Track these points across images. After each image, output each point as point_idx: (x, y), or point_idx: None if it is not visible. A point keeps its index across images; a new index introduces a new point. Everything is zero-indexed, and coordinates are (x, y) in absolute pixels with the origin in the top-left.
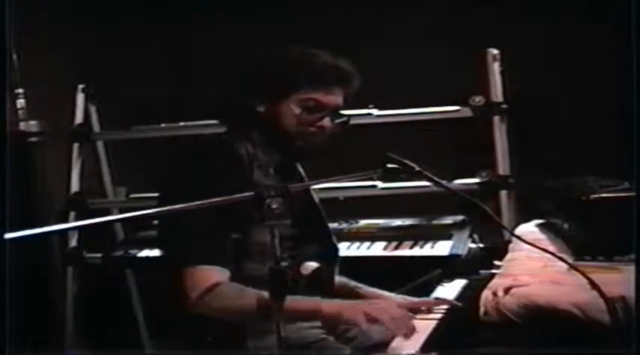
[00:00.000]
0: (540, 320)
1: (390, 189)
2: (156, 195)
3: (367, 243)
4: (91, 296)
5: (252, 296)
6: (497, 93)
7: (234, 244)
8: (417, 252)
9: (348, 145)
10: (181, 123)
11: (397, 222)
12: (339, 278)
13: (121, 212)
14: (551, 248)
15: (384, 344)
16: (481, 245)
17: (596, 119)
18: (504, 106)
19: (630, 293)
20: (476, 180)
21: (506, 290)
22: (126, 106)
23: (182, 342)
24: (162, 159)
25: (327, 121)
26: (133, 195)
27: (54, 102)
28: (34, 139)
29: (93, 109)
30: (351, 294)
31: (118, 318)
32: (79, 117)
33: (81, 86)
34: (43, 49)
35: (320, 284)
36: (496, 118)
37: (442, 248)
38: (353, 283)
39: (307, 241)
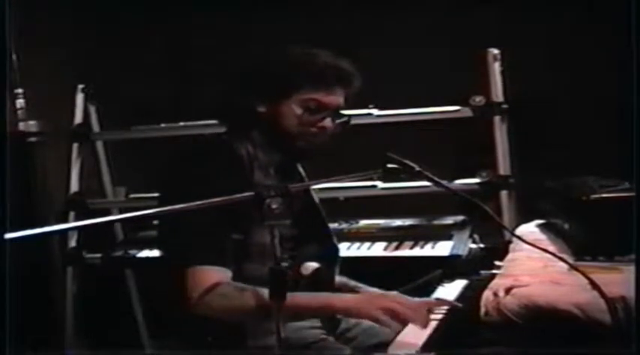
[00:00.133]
0: (541, 321)
1: (390, 189)
2: (156, 195)
3: (367, 244)
4: (90, 297)
5: (252, 295)
6: (498, 93)
7: (234, 244)
8: (417, 252)
9: (348, 145)
10: (181, 123)
11: (397, 223)
12: (339, 278)
13: (120, 212)
14: (551, 248)
15: (384, 344)
16: (482, 245)
17: (596, 119)
18: (505, 106)
19: (631, 293)
20: (476, 180)
21: (507, 291)
22: (126, 106)
23: (182, 342)
24: (162, 159)
25: (328, 122)
26: (132, 195)
27: (53, 102)
28: (33, 139)
29: (92, 109)
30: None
31: (117, 318)
32: (78, 117)
33: (80, 86)
34: (43, 49)
35: (320, 285)
36: (496, 118)
37: (443, 248)
38: (353, 283)
39: (307, 241)
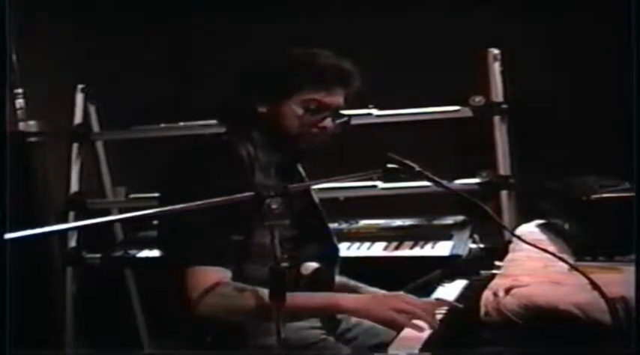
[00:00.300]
0: (541, 321)
1: (390, 189)
2: (156, 195)
3: (367, 244)
4: (90, 297)
5: (252, 295)
6: (498, 93)
7: (234, 245)
8: (417, 252)
9: (348, 145)
10: (181, 123)
11: (397, 223)
12: (339, 278)
13: (120, 212)
14: (551, 248)
15: (384, 344)
16: (482, 245)
17: (596, 119)
18: (505, 106)
19: (631, 293)
20: (476, 180)
21: (507, 291)
22: (126, 106)
23: (182, 342)
24: (162, 159)
25: (328, 122)
26: (132, 195)
27: (53, 102)
28: (33, 139)
29: (92, 109)
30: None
31: (117, 318)
32: (78, 117)
33: (80, 86)
34: (43, 49)
35: (320, 285)
36: (496, 118)
37: (443, 248)
38: (353, 283)
39: (307, 241)
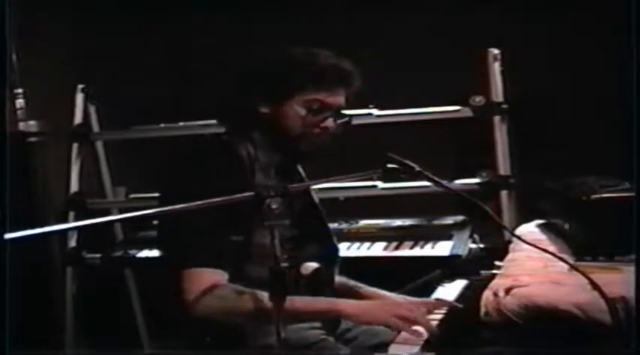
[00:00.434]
0: (541, 321)
1: (390, 189)
2: (156, 195)
3: (367, 244)
4: (90, 297)
5: (251, 298)
6: (498, 93)
7: (234, 246)
8: (417, 252)
9: (348, 145)
10: (181, 123)
11: (397, 223)
12: (338, 278)
13: (120, 212)
14: (551, 248)
15: (384, 344)
16: (482, 245)
17: (596, 119)
18: (505, 106)
19: (631, 293)
20: (476, 180)
21: (507, 291)
22: (126, 106)
23: (182, 342)
24: (162, 159)
25: (330, 122)
26: (132, 195)
27: (53, 102)
28: (33, 139)
29: (92, 109)
30: (351, 294)
31: (117, 318)
32: (78, 117)
33: (80, 86)
34: (43, 49)
35: (320, 285)
36: (496, 118)
37: (443, 248)
38: (353, 283)
39: (307, 241)
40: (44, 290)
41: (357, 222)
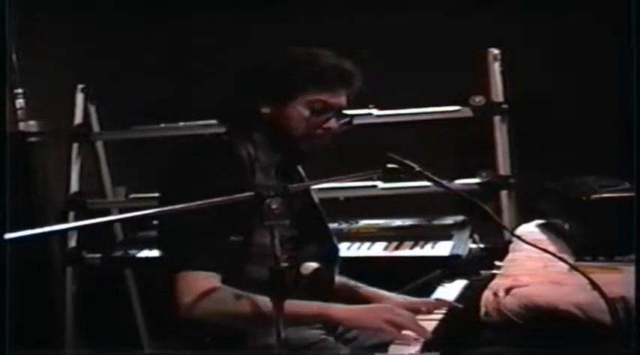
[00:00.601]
0: (541, 321)
1: (390, 189)
2: (156, 195)
3: (367, 244)
4: (90, 297)
5: (248, 301)
6: (498, 93)
7: (234, 246)
8: (417, 252)
9: (348, 145)
10: (181, 123)
11: (397, 223)
12: (339, 278)
13: (120, 212)
14: (551, 248)
15: (384, 344)
16: (482, 245)
17: (596, 119)
18: (505, 106)
19: (631, 293)
20: (476, 180)
21: (507, 291)
22: (126, 106)
23: (182, 342)
24: (162, 159)
25: (333, 122)
26: (132, 195)
27: (53, 102)
28: (33, 139)
29: (92, 109)
30: (351, 294)
31: (117, 318)
32: (78, 117)
33: (80, 86)
34: (43, 49)
35: (320, 285)
36: (496, 118)
37: (443, 248)
38: (353, 283)
39: (307, 241)
40: (44, 290)
41: (357, 222)
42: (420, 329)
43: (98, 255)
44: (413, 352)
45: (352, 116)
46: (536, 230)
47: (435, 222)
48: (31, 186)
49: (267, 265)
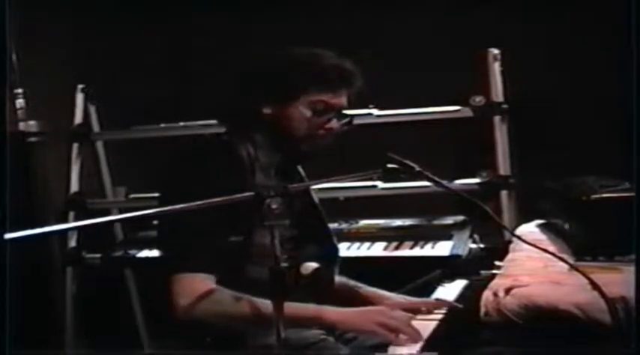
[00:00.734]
0: (541, 321)
1: (390, 189)
2: (156, 195)
3: (367, 244)
4: (90, 297)
5: (246, 302)
6: (498, 93)
7: (234, 246)
8: (417, 252)
9: (348, 145)
10: (181, 123)
11: (397, 223)
12: (338, 278)
13: (120, 212)
14: (551, 248)
15: (384, 345)
16: (482, 245)
17: (596, 119)
18: (505, 106)
19: (631, 293)
20: (476, 180)
21: (507, 291)
22: (126, 106)
23: (182, 342)
24: (162, 159)
25: (334, 123)
26: (132, 195)
27: (53, 102)
28: (33, 139)
29: (92, 109)
30: (351, 294)
31: (117, 318)
32: (78, 117)
33: (80, 86)
34: (43, 49)
35: (320, 285)
36: (496, 118)
37: (443, 248)
38: (353, 283)
39: (307, 241)
40: (44, 290)
41: (357, 222)
42: (412, 332)
43: (98, 255)
44: (412, 352)
45: (352, 116)
46: (536, 230)
47: (435, 222)
48: (31, 186)
49: (267, 265)
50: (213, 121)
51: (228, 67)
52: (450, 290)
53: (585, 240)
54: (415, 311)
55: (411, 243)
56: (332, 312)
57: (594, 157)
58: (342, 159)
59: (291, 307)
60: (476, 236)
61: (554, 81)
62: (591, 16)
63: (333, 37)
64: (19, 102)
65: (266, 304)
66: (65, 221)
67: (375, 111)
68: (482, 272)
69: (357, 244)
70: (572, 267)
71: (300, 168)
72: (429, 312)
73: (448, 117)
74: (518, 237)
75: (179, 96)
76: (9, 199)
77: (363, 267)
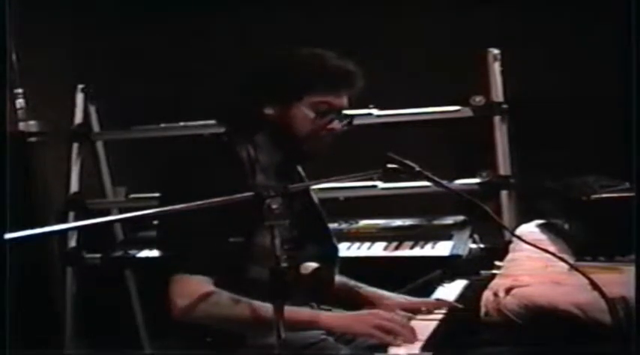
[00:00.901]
0: (541, 321)
1: (390, 189)
2: (156, 195)
3: (367, 244)
4: (90, 297)
5: (244, 304)
6: (498, 93)
7: (233, 247)
8: (417, 252)
9: (348, 145)
10: (181, 123)
11: (397, 223)
12: (339, 278)
13: (120, 212)
14: (551, 248)
15: (384, 345)
16: (482, 245)
17: (596, 119)
18: (505, 106)
19: (631, 293)
20: (476, 180)
21: (507, 291)
22: (126, 106)
23: (182, 342)
24: (162, 159)
25: (336, 123)
26: (132, 195)
27: (54, 102)
28: (33, 139)
29: (92, 109)
30: (351, 294)
31: (117, 318)
32: (78, 117)
33: (81, 86)
34: (43, 49)
35: (320, 285)
36: (496, 118)
37: (443, 248)
38: (353, 282)
39: (307, 241)
40: (44, 290)
41: (357, 222)
42: (408, 333)
43: (98, 255)
44: (413, 352)
45: (353, 116)
46: (536, 230)
47: (435, 222)
48: (31, 186)
49: (267, 265)
50: (213, 121)
51: (228, 67)
52: (450, 290)
53: (585, 240)
54: (415, 311)
55: (411, 243)
56: (328, 316)
57: (594, 157)
58: (342, 159)
59: (288, 310)
60: (476, 236)
61: (554, 81)
62: (591, 16)
63: (333, 37)
64: (19, 102)
65: (264, 307)
66: (65, 221)
67: (375, 111)
68: (483, 272)
69: (357, 244)
70: (572, 267)
71: (300, 168)
72: (429, 312)
73: (448, 117)
74: (518, 237)
75: (179, 96)
76: (9, 199)
77: (363, 267)
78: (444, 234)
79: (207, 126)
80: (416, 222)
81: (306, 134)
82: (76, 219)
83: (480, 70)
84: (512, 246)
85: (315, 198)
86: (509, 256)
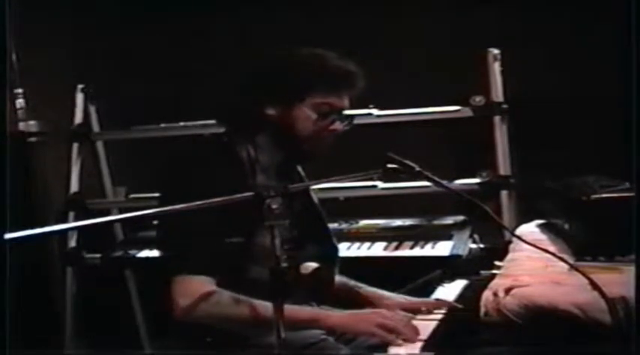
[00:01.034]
0: (541, 321)
1: (390, 189)
2: (156, 195)
3: (367, 244)
4: (90, 297)
5: (245, 304)
6: (498, 93)
7: (233, 247)
8: (417, 252)
9: (348, 145)
10: (181, 123)
11: (397, 223)
12: (339, 278)
13: (120, 212)
14: (551, 248)
15: (385, 345)
16: (482, 245)
17: (596, 119)
18: (505, 106)
19: (631, 293)
20: (476, 180)
21: (507, 291)
22: (126, 106)
23: (182, 342)
24: (162, 159)
25: (338, 124)
26: (132, 195)
27: (54, 102)
28: (33, 139)
29: (92, 109)
30: (351, 294)
31: (117, 318)
32: (78, 117)
33: (80, 86)
34: (43, 49)
35: (320, 285)
36: (496, 118)
37: (443, 248)
38: (353, 282)
39: (307, 241)
40: (44, 290)
41: (357, 222)
42: (410, 332)
43: (98, 255)
44: (412, 352)
45: (353, 116)
46: (536, 230)
47: (435, 222)
48: (31, 186)
49: (267, 265)
50: (213, 121)
51: (229, 67)
52: (450, 290)
53: (585, 240)
54: (415, 311)
55: (411, 243)
56: (329, 316)
57: (594, 157)
58: (342, 159)
59: (288, 310)
60: (476, 236)
61: (554, 81)
62: (591, 16)
63: (333, 37)
64: (19, 102)
65: (265, 306)
66: (65, 221)
67: (375, 111)
68: (482, 272)
69: (357, 244)
70: (572, 267)
71: (300, 168)
72: (429, 312)
73: (448, 117)
74: (518, 237)
75: (179, 96)
76: (9, 199)
77: (363, 267)
78: (444, 234)
79: (207, 126)
80: (416, 222)
81: (308, 135)
82: (76, 219)
83: (480, 70)
84: (512, 246)
85: (315, 198)
86: (509, 256)
